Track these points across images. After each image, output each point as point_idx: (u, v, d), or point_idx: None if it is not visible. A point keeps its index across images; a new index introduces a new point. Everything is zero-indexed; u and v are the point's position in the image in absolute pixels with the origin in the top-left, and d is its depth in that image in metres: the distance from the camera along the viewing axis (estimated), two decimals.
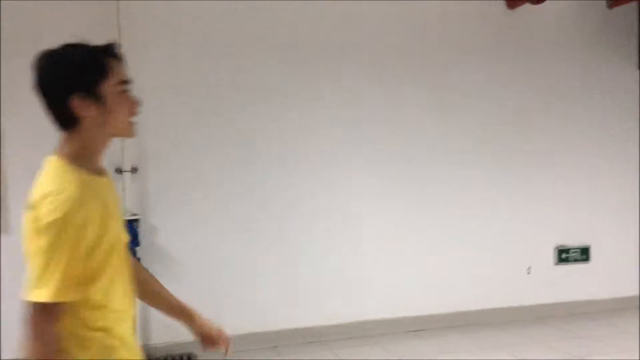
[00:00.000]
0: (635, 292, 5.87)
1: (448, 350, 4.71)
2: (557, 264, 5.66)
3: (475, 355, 4.58)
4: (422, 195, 5.24)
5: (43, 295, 1.42)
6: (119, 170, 4.42)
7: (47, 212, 1.43)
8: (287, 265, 4.91)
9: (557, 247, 5.65)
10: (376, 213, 5.12)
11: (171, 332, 4.65)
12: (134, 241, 4.37)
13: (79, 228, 1.44)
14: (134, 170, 4.48)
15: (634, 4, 5.65)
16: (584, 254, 5.72)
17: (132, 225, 4.37)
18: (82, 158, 1.56)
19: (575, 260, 5.69)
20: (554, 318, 5.49)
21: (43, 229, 1.43)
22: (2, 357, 4.28)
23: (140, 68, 4.46)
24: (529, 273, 5.56)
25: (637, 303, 5.80)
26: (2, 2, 4.14)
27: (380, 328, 5.03)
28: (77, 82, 1.51)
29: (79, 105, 1.51)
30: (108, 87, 1.55)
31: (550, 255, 5.65)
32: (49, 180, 1.50)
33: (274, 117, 4.83)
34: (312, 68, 4.92)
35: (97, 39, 1.63)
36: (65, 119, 1.54)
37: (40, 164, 1.59)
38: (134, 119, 1.64)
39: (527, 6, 5.29)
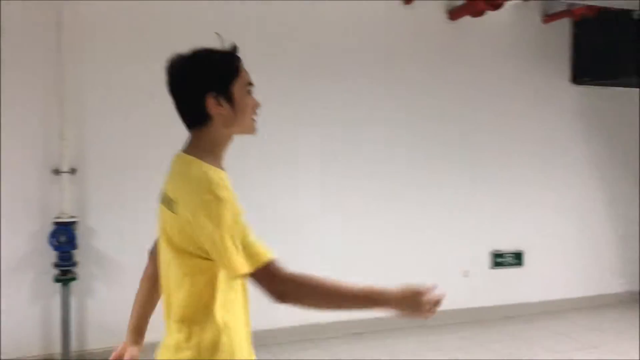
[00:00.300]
0: (565, 295, 6.14)
1: (388, 353, 4.80)
2: (492, 268, 5.86)
3: (415, 356, 4.68)
4: (360, 202, 5.30)
5: (246, 267, 1.53)
6: (57, 172, 4.30)
7: (200, 191, 1.53)
8: None
9: (492, 252, 5.85)
10: (317, 217, 5.14)
11: (109, 336, 4.78)
12: (72, 244, 4.26)
13: (234, 211, 1.55)
14: (72, 171, 4.36)
15: (567, 20, 5.93)
16: (518, 258, 5.94)
17: (69, 228, 4.26)
18: (212, 154, 1.66)
19: (510, 265, 5.91)
20: (490, 320, 5.68)
21: (203, 205, 1.51)
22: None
23: (81, 69, 4.38)
24: (466, 276, 5.72)
25: (567, 306, 6.08)
26: None
27: (321, 331, 5.06)
28: (213, 83, 1.63)
29: (213, 104, 1.63)
30: (238, 88, 1.67)
31: (486, 260, 5.85)
32: (186, 172, 1.61)
33: None
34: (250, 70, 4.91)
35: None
36: (198, 117, 1.65)
37: None
38: (256, 118, 1.75)
39: (468, 18, 5.47)
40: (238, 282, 1.66)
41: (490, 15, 5.45)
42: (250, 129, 1.74)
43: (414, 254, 5.48)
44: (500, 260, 5.88)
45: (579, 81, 6.07)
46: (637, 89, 6.29)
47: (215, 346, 1.60)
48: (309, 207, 5.13)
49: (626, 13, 5.05)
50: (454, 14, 5.51)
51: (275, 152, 4.98)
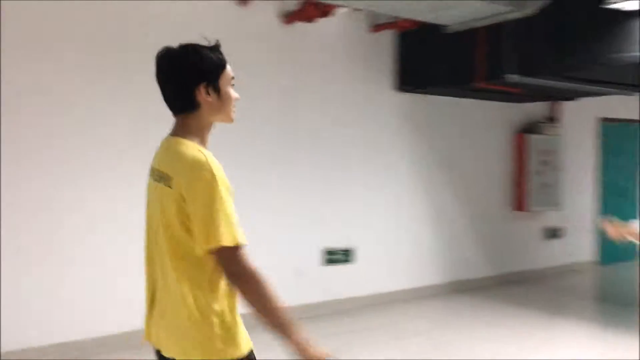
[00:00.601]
0: (391, 288, 6.56)
1: None
2: (324, 265, 6.10)
3: None
4: None
5: (218, 239, 1.70)
6: None
7: (194, 169, 1.74)
8: (51, 277, 4.59)
9: (324, 250, 6.10)
10: (122, 224, 4.85)
11: (23, 337, 4.42)
12: None
13: (227, 188, 1.78)
14: None
15: (392, 31, 6.35)
16: (348, 255, 6.24)
17: None
18: (199, 137, 1.87)
19: (340, 261, 6.19)
20: (321, 316, 5.90)
21: (198, 181, 1.72)
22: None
23: None
24: (299, 275, 5.89)
25: (393, 298, 6.50)
26: None
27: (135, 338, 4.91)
28: (205, 75, 1.84)
29: (203, 94, 1.85)
30: (224, 81, 1.90)
31: (318, 257, 6.08)
32: (181, 151, 1.79)
33: (31, 120, 4.52)
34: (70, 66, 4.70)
35: None
36: (188, 104, 1.85)
37: None
38: (234, 109, 1.96)
39: (301, 24, 5.65)
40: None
41: (322, 22, 5.69)
42: (229, 119, 1.96)
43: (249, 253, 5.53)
44: (331, 257, 6.14)
45: (402, 89, 6.54)
46: (452, 97, 6.93)
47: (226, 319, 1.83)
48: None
49: (438, 28, 5.53)
50: (288, 18, 5.66)
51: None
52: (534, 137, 7.66)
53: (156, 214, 1.86)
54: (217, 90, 1.88)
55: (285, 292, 5.90)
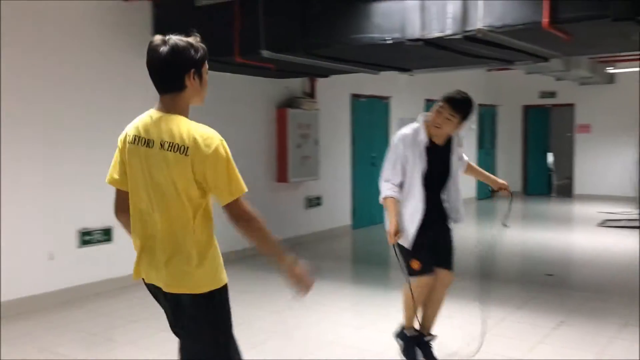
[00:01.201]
0: None
1: None
2: (80, 246, 5.76)
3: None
4: None
5: (239, 190, 2.25)
6: None
7: (211, 143, 2.21)
8: None
9: (80, 230, 5.75)
10: None
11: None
12: None
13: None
14: None
15: (147, 2, 6.14)
16: (107, 234, 5.97)
17: None
18: (185, 114, 2.31)
19: (99, 242, 5.90)
20: (78, 300, 5.58)
21: (214, 155, 2.19)
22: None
23: None
24: (52, 259, 5.50)
25: None
26: None
27: None
28: (195, 63, 2.25)
29: (190, 78, 2.26)
30: (204, 70, 2.31)
31: (73, 239, 5.71)
32: (189, 126, 2.25)
33: None
34: None
35: None
36: (177, 86, 2.26)
37: None
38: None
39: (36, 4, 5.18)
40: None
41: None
42: (201, 101, 2.38)
43: None
44: (88, 238, 5.82)
45: None
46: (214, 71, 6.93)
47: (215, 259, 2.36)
48: None
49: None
50: None
51: None
52: (293, 112, 8.05)
53: (154, 174, 2.26)
54: (200, 76, 2.30)
55: (40, 279, 5.57)
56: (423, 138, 3.70)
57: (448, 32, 4.74)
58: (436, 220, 3.82)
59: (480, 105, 13.78)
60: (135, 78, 6.25)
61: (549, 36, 4.69)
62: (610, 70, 11.78)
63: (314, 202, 8.82)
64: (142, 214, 2.35)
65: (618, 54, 11.14)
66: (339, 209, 9.38)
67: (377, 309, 5.38)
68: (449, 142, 3.83)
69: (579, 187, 13.88)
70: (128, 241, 5.99)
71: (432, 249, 3.84)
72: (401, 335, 4.05)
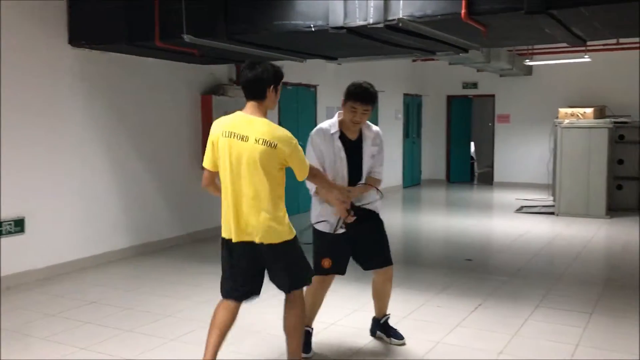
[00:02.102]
0: (71, 257, 6.20)
1: None
2: None
3: None
4: None
5: (307, 169, 3.34)
6: None
7: (291, 141, 3.22)
8: None
9: None
10: None
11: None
12: None
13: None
14: None
15: None
16: (19, 225, 5.68)
17: None
18: (266, 117, 3.31)
19: (10, 233, 5.61)
20: None
21: (294, 148, 3.22)
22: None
23: None
24: None
25: (73, 267, 6.17)
26: None
27: None
28: (276, 79, 3.29)
29: (271, 91, 3.27)
30: (279, 86, 3.34)
31: None
32: (273, 128, 3.22)
33: None
34: None
35: None
36: (261, 95, 3.25)
37: None
38: None
39: None
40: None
41: None
42: (273, 108, 3.37)
43: None
44: None
45: (76, 44, 6.10)
46: (132, 55, 6.72)
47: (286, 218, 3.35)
48: None
49: None
50: None
51: None
52: (218, 99, 7.91)
53: (243, 159, 3.19)
54: (276, 91, 3.30)
55: None
56: (337, 130, 3.82)
57: (370, 20, 4.76)
58: (357, 214, 3.77)
59: (405, 94, 14.05)
60: (54, 65, 5.99)
61: (467, 27, 4.80)
62: (528, 62, 12.23)
63: None
64: (234, 188, 3.23)
65: (535, 47, 11.63)
66: None
67: None
68: (360, 136, 3.91)
69: (498, 175, 14.41)
70: (42, 232, 5.80)
71: (355, 249, 3.92)
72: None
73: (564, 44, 6.27)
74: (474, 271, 6.32)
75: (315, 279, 3.71)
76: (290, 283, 3.39)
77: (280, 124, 9.75)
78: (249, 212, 3.21)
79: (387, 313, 4.24)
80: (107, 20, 5.87)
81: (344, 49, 6.40)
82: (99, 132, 6.54)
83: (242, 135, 3.17)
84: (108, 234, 6.67)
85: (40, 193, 5.90)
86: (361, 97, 3.72)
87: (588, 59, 11.13)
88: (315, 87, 10.43)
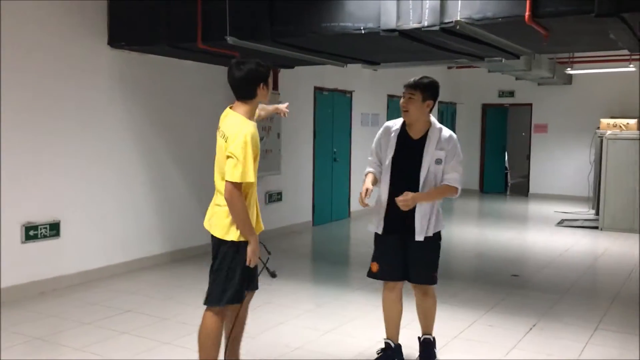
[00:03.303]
0: (103, 264, 6.05)
1: None
2: (25, 242, 5.32)
3: None
4: None
5: (235, 178, 3.13)
6: None
7: (238, 138, 3.08)
8: None
9: (24, 225, 5.31)
10: None
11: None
12: None
13: (254, 146, 3.15)
14: None
15: None
16: (54, 229, 5.54)
17: None
18: (250, 114, 3.26)
19: (45, 237, 5.47)
20: (21, 300, 5.16)
21: (236, 145, 3.07)
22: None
23: None
24: None
25: (105, 274, 6.01)
26: None
27: None
28: (265, 78, 3.23)
29: (261, 88, 3.23)
30: (269, 82, 3.29)
31: (17, 234, 5.27)
32: (236, 122, 3.16)
33: None
34: None
35: None
36: (249, 95, 3.22)
37: None
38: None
39: None
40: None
41: None
42: (267, 101, 3.40)
43: None
44: (34, 233, 5.38)
45: (116, 45, 5.97)
46: (171, 57, 6.58)
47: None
48: None
49: None
50: None
51: None
52: None
53: (219, 156, 3.23)
54: (268, 85, 3.25)
55: None
56: (397, 127, 3.80)
57: (425, 23, 4.53)
58: (403, 222, 3.70)
59: (440, 102, 13.75)
60: (94, 67, 5.87)
61: (526, 31, 4.54)
62: (569, 71, 11.87)
63: (274, 197, 8.53)
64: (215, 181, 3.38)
65: (576, 55, 11.27)
66: (299, 205, 9.11)
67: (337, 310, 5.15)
68: (425, 136, 3.76)
69: (534, 186, 14.02)
70: (77, 236, 5.61)
71: (402, 258, 3.79)
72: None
73: (606, 52, 5.96)
74: (522, 288, 6.02)
75: (383, 287, 3.83)
76: (207, 294, 3.40)
77: (315, 129, 9.74)
78: (212, 205, 3.41)
79: (429, 333, 3.95)
80: (148, 21, 5.72)
81: (389, 53, 6.16)
82: (135, 137, 6.40)
83: (221, 131, 3.23)
84: (141, 240, 6.51)
85: (74, 198, 5.76)
86: (409, 82, 3.70)
87: (633, 69, 10.75)
88: (351, 92, 10.21)
